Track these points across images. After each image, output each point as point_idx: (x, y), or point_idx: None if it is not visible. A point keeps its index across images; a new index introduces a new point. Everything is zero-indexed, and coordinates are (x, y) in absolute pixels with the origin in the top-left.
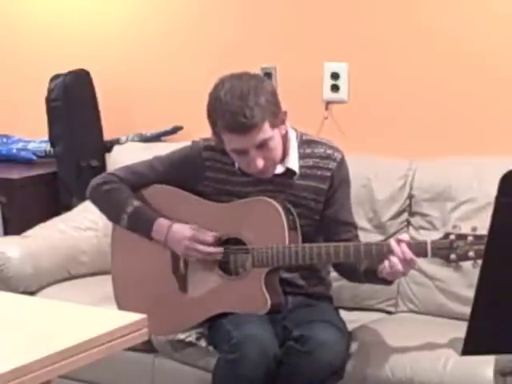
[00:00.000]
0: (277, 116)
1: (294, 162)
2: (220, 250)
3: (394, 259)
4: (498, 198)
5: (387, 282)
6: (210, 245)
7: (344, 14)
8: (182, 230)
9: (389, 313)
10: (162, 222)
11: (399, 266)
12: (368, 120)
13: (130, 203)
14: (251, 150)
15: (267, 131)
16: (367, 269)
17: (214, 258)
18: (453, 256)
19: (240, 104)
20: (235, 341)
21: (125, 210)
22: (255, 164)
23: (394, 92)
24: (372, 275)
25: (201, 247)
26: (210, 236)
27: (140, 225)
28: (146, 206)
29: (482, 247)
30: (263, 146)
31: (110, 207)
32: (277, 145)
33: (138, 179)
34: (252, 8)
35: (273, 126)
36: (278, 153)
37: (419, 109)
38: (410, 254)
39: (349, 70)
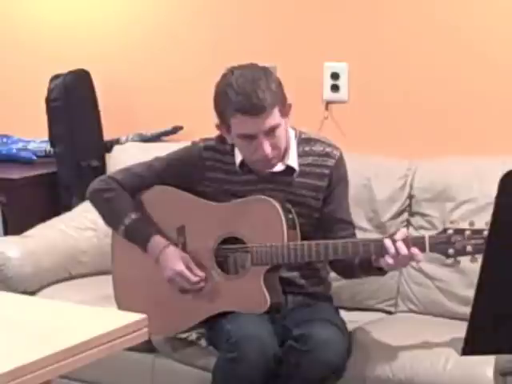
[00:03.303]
0: (284, 105)
1: (293, 160)
2: (202, 285)
3: (388, 258)
4: (497, 197)
5: (382, 271)
6: (193, 283)
7: (344, 14)
8: (172, 258)
9: (389, 313)
10: (157, 241)
11: (393, 263)
12: (368, 120)
13: (128, 215)
14: (260, 135)
15: (276, 117)
16: (362, 260)
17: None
18: (451, 251)
19: (253, 87)
20: (234, 340)
21: (122, 222)
22: (263, 149)
23: (393, 92)
24: (368, 266)
25: (184, 283)
26: (194, 277)
27: (136, 238)
28: (145, 213)
29: (480, 242)
30: (271, 132)
31: (108, 216)
32: (283, 134)
33: (138, 181)
34: (252, 8)
35: (281, 113)
36: (284, 143)
37: (419, 109)
38: (404, 250)
39: (349, 70)
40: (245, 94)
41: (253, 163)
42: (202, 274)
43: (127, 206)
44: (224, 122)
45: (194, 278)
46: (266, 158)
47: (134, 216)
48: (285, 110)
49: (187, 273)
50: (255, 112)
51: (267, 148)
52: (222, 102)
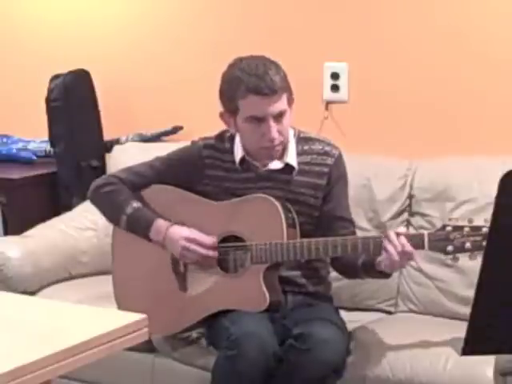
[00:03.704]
0: (291, 94)
1: (292, 158)
2: (216, 253)
3: (391, 250)
4: (497, 198)
5: (385, 275)
6: (207, 247)
7: (344, 14)
8: (180, 230)
9: (389, 313)
10: (160, 223)
11: (396, 258)
12: (368, 120)
13: (129, 204)
14: (269, 118)
15: (285, 103)
16: (365, 262)
17: (209, 261)
18: (450, 248)
19: (265, 70)
20: (234, 337)
21: (124, 212)
22: (271, 133)
23: (393, 92)
24: (370, 268)
25: (198, 248)
26: (208, 239)
27: (139, 226)
28: (146, 206)
29: (479, 238)
30: (279, 117)
31: (109, 209)
32: (288, 124)
33: (139, 180)
34: (252, 8)
35: (288, 102)
36: (288, 133)
37: (419, 109)
38: (408, 246)
39: (349, 70)
40: (257, 76)
41: (257, 151)
42: (214, 238)
43: (128, 196)
44: (231, 108)
45: (209, 241)
46: (272, 144)
47: (135, 205)
48: (291, 100)
49: (197, 235)
50: (267, 92)
51: (275, 132)
52: (232, 85)
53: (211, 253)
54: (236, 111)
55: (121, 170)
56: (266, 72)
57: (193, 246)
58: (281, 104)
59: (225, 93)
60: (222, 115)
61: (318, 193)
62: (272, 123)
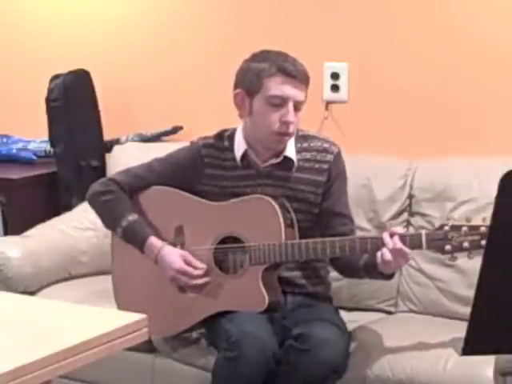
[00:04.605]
0: (306, 93)
1: (291, 153)
2: (207, 279)
3: (383, 249)
4: (497, 197)
5: (387, 276)
6: (196, 277)
7: (344, 14)
8: (170, 257)
9: (389, 313)
10: (152, 243)
11: (389, 256)
12: (368, 120)
13: (125, 217)
14: (290, 103)
15: (304, 96)
16: (367, 263)
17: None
18: (448, 247)
19: (294, 59)
20: (234, 338)
21: (119, 224)
22: (289, 117)
23: (393, 92)
24: (372, 269)
25: (188, 280)
26: (197, 269)
27: (133, 240)
28: (143, 214)
29: (477, 238)
30: (296, 110)
31: (106, 218)
32: (299, 120)
33: (138, 182)
34: (251, 8)
35: (305, 97)
36: (297, 127)
37: (419, 109)
38: (399, 244)
39: (349, 69)
40: (287, 61)
41: (266, 138)
42: (202, 265)
43: (125, 207)
44: (253, 86)
45: (195, 272)
46: (286, 131)
47: (130, 218)
48: (306, 98)
49: (187, 268)
50: (296, 75)
51: (293, 117)
52: (261, 64)
53: (201, 281)
54: (257, 90)
55: (119, 173)
56: (295, 60)
57: (183, 279)
58: (303, 94)
59: (250, 70)
60: (236, 96)
61: (317, 190)
62: (291, 108)
